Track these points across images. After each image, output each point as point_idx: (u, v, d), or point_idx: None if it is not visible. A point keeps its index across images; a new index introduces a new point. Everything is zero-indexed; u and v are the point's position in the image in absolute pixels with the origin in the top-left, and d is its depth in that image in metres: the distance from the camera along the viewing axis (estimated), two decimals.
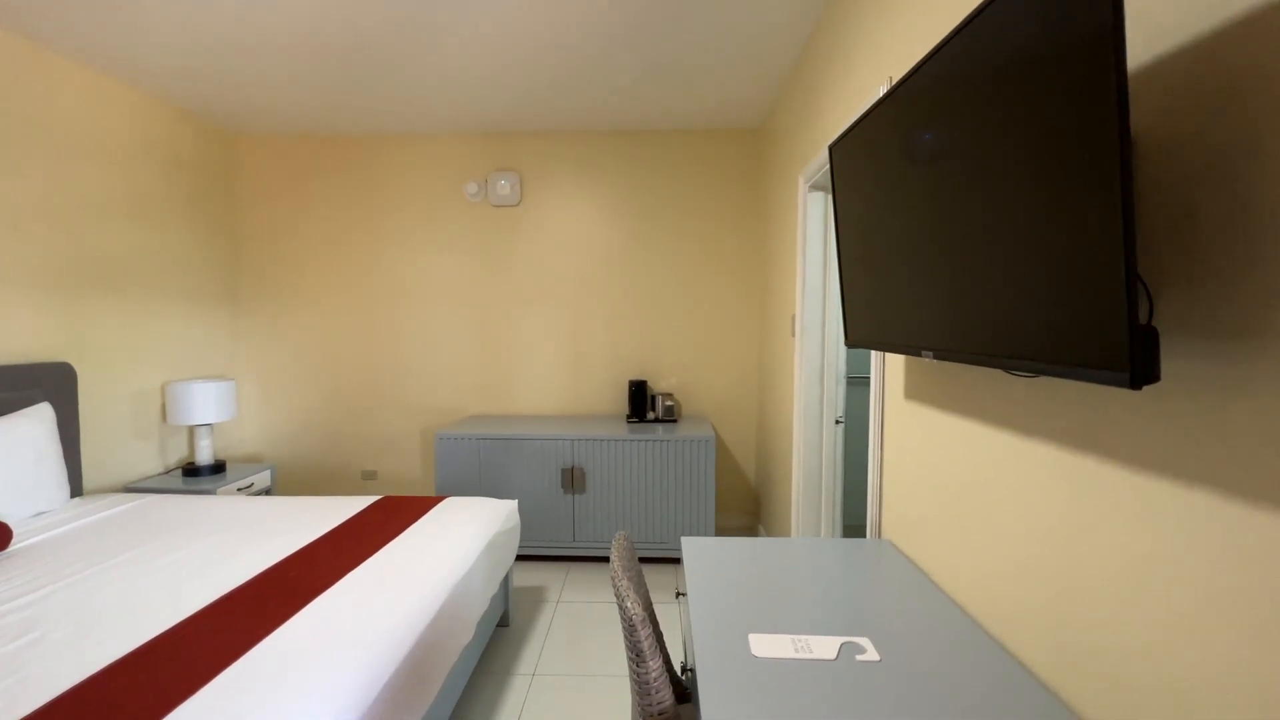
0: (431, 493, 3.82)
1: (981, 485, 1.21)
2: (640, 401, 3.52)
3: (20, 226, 2.47)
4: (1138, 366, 0.63)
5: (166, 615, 1.50)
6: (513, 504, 2.54)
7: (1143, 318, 0.76)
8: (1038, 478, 1.03)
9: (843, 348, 2.53)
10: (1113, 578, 0.87)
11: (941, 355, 1.05)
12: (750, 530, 3.73)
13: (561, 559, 3.29)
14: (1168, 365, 0.76)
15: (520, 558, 3.26)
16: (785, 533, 2.91)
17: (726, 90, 3.02)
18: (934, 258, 1.06)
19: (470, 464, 3.19)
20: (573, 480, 3.16)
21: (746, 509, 3.77)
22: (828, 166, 2.14)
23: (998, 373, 1.13)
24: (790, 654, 1.08)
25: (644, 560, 3.26)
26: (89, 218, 2.77)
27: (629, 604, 0.99)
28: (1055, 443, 0.98)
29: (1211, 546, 0.71)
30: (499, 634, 2.49)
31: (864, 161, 1.33)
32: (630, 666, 1.02)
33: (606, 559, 3.28)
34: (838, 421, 2.54)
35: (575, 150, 3.66)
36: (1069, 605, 0.96)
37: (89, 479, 2.76)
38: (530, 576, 3.06)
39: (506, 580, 2.52)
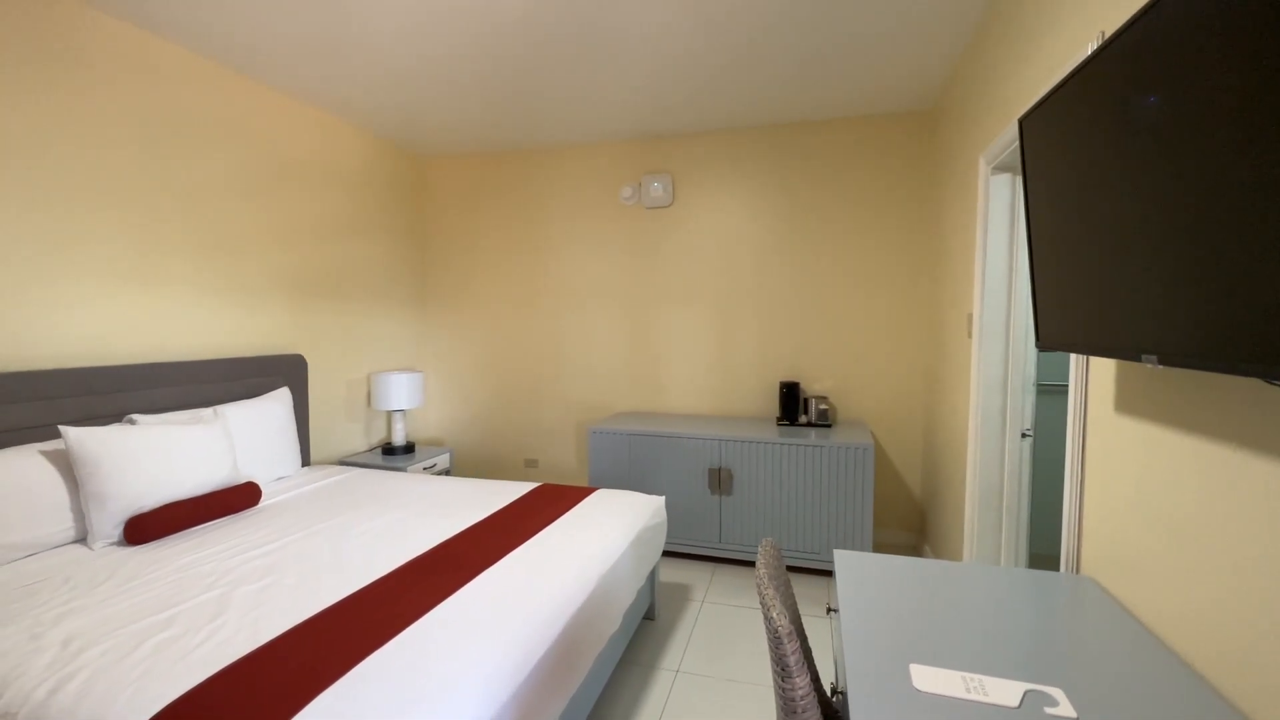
0: (585, 482, 4.02)
1: (1224, 520, 0.98)
2: (792, 404, 3.39)
3: (269, 244, 3.02)
4: None
5: (364, 574, 1.74)
6: (660, 500, 2.57)
7: None
8: None
9: (1031, 351, 2.21)
10: None
11: (1170, 360, 0.86)
12: (914, 550, 3.42)
13: (707, 559, 3.28)
14: None
15: (667, 554, 3.31)
16: (956, 557, 2.62)
17: (892, 70, 2.79)
18: (1161, 243, 0.88)
19: (621, 458, 3.30)
20: (720, 481, 3.13)
21: (910, 526, 3.46)
22: (1016, 143, 1.88)
23: (1253, 383, 0.90)
24: (960, 693, 0.96)
25: (791, 570, 3.14)
26: (315, 235, 3.31)
27: (775, 614, 0.95)
28: None
29: None
30: (645, 627, 2.54)
31: (1065, 133, 1.14)
32: (775, 680, 0.97)
33: (752, 563, 3.21)
34: (1024, 435, 2.22)
35: (727, 148, 3.63)
36: None
37: (315, 451, 3.31)
38: (676, 573, 3.09)
39: (653, 575, 2.56)
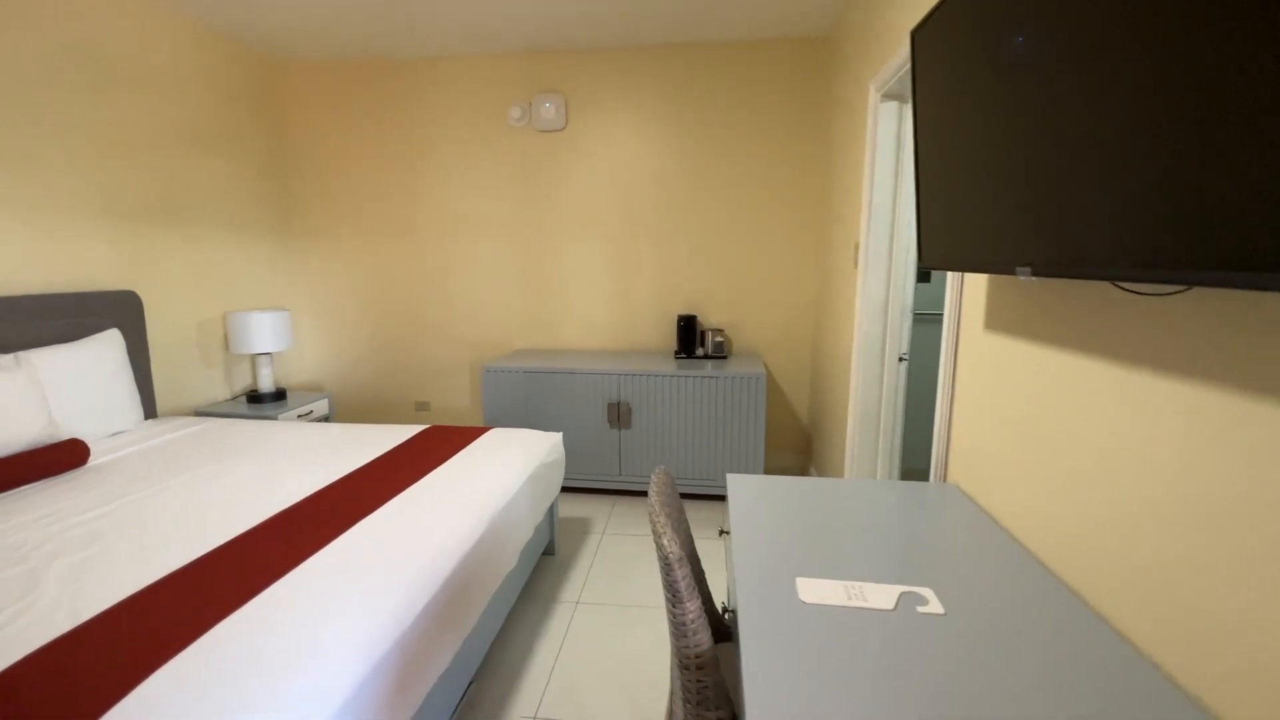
0: (480, 423, 3.88)
1: (1079, 425, 1.05)
2: (689, 337, 3.40)
3: (86, 158, 2.50)
4: None
5: (222, 532, 1.55)
6: (557, 436, 2.51)
7: None
8: (1151, 417, 0.87)
9: (910, 281, 2.32)
10: (1240, 540, 0.72)
11: (1042, 271, 0.88)
12: (801, 470, 3.63)
13: (607, 492, 3.30)
14: None
15: (567, 489, 3.29)
16: (838, 474, 2.79)
17: None
18: (1045, 155, 0.88)
19: (517, 397, 3.19)
20: (619, 415, 3.12)
21: (798, 448, 3.66)
22: (907, 68, 1.88)
23: (1112, 296, 0.95)
24: (842, 601, 0.99)
25: (689, 497, 3.23)
26: (147, 149, 2.78)
27: (665, 541, 0.91)
28: (1181, 376, 0.82)
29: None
30: (545, 562, 2.52)
31: (958, 46, 1.12)
32: (667, 607, 0.96)
33: None
34: (901, 359, 2.36)
35: (622, 68, 3.42)
36: (1184, 575, 0.82)
37: (163, 403, 2.91)
38: (576, 508, 3.09)
39: (552, 511, 2.53)
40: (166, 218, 2.91)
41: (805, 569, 1.10)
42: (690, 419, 3.07)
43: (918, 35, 1.26)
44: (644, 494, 3.26)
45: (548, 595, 2.28)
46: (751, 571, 1.08)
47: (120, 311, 2.62)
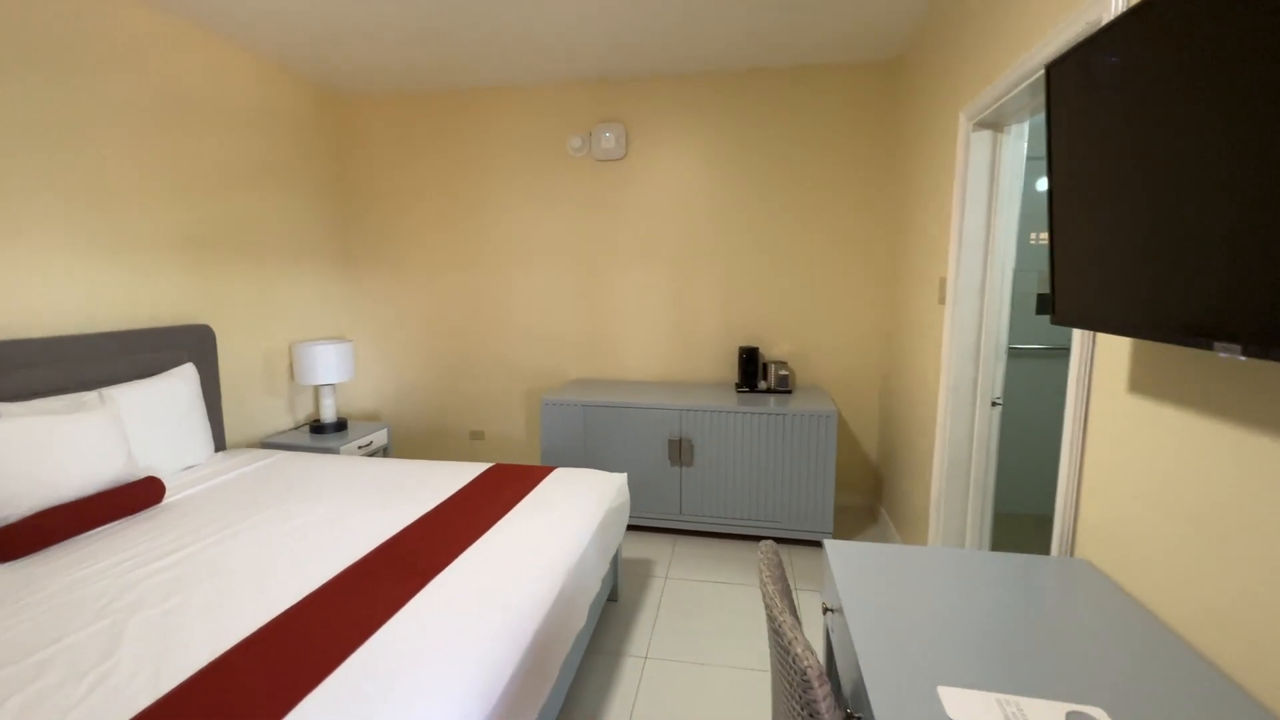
0: (537, 457, 3.83)
1: (1269, 517, 0.90)
2: (751, 370, 3.28)
3: (163, 195, 2.57)
4: None
5: (293, 587, 1.50)
6: (622, 478, 2.42)
7: None
8: None
9: (1005, 319, 2.15)
10: None
11: (1259, 352, 0.74)
12: (869, 512, 3.44)
13: (668, 531, 3.18)
14: None
15: (627, 528, 3.18)
16: (914, 521, 2.61)
17: (860, 12, 2.59)
18: (1249, 211, 0.75)
19: (575, 431, 3.12)
20: (680, 453, 3.01)
21: (865, 488, 3.48)
22: (1008, 98, 1.76)
23: None
24: None
25: (750, 538, 3.09)
26: (221, 184, 2.86)
27: (800, 651, 0.80)
28: None
29: None
30: (609, 609, 2.42)
31: (1114, 77, 1.00)
32: None
33: (714, 534, 3.14)
34: (994, 403, 2.19)
35: (683, 96, 3.37)
36: None
37: (230, 433, 2.95)
38: (637, 548, 2.98)
39: (616, 555, 2.43)
40: (236, 250, 2.98)
41: (941, 671, 0.97)
42: (756, 457, 2.93)
43: (1054, 70, 1.14)
44: (707, 534, 3.13)
45: (614, 648, 2.17)
46: (882, 674, 0.96)
47: (195, 345, 2.67)
